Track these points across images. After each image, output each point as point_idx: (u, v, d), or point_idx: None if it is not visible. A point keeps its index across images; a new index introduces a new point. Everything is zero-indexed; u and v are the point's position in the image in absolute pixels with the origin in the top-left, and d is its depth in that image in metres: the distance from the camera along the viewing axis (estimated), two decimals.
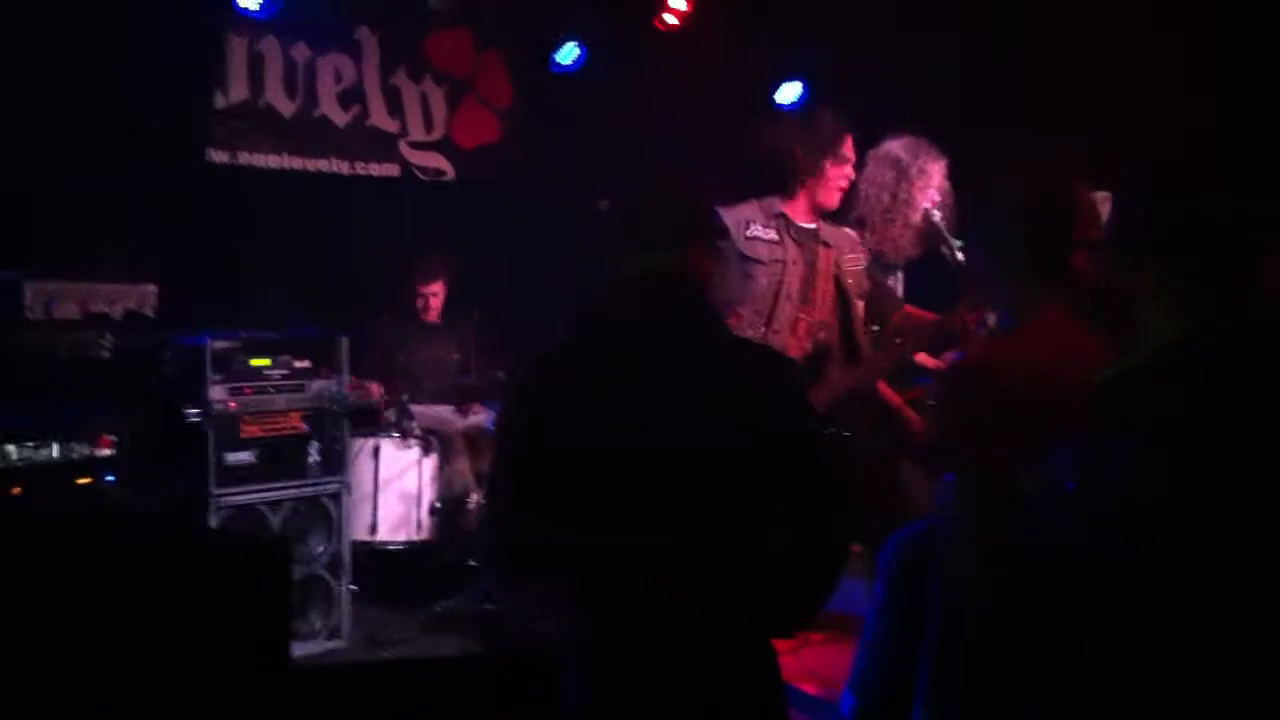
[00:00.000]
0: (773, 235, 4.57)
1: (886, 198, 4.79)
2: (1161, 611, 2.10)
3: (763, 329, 4.50)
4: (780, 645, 2.53)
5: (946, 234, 4.66)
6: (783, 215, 4.59)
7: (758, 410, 2.45)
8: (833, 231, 4.70)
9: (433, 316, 6.42)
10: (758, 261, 4.52)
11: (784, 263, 4.55)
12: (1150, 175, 2.55)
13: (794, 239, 4.59)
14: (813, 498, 2.47)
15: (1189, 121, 4.92)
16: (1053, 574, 2.22)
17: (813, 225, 4.64)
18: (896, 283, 5.19)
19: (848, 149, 4.63)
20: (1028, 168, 3.04)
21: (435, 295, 6.42)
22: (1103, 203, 3.27)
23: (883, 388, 4.64)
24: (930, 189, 4.80)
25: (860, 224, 4.86)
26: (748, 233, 4.54)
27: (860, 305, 4.72)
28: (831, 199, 4.63)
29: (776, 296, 4.53)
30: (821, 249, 4.64)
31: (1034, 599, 2.27)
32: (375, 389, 5.88)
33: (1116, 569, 2.13)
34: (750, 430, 2.43)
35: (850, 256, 4.71)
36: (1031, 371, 2.62)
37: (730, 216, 4.56)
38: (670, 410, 2.44)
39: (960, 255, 4.55)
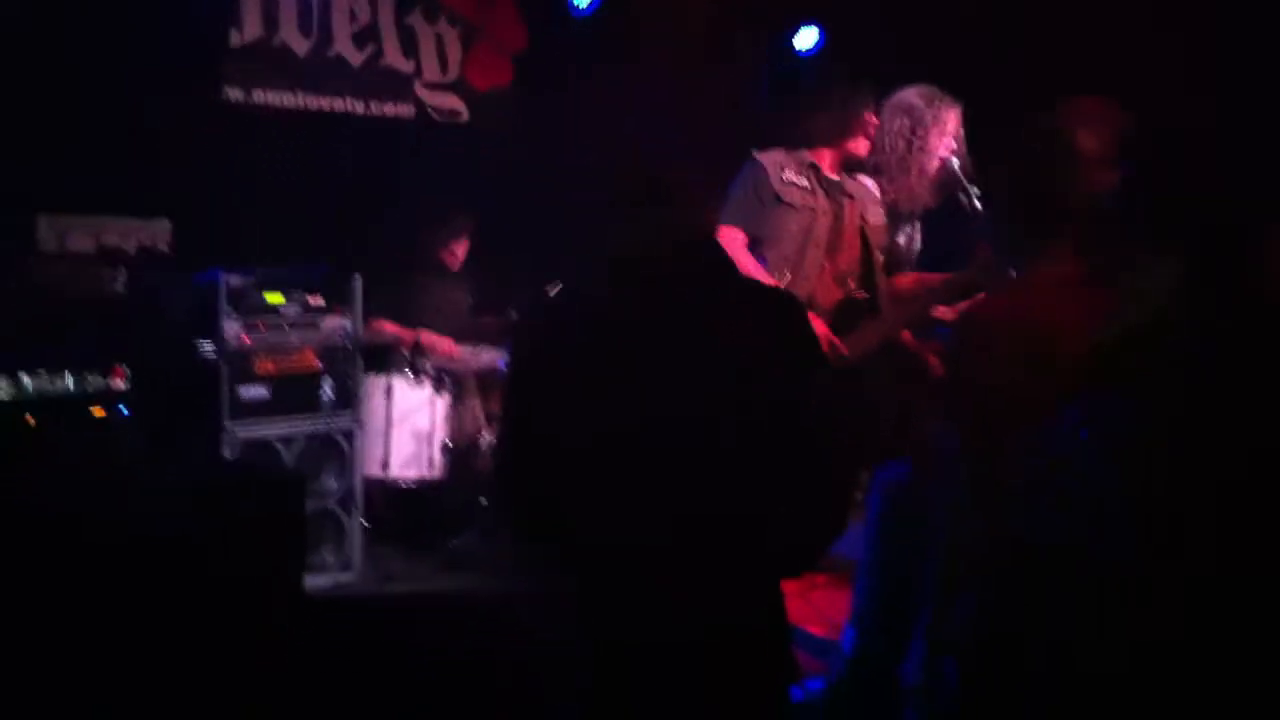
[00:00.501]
0: (805, 183, 4.62)
1: (902, 145, 4.80)
2: (1158, 608, 2.09)
3: (788, 274, 4.53)
4: (787, 588, 2.53)
5: (965, 181, 4.65)
6: (814, 165, 4.65)
7: (765, 357, 2.46)
8: (857, 185, 4.76)
9: (457, 267, 6.44)
10: (790, 206, 4.57)
11: (815, 210, 4.60)
12: (1149, 142, 2.54)
13: (824, 189, 4.64)
14: (815, 444, 2.48)
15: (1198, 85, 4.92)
16: (1048, 567, 2.20)
17: (838, 178, 4.70)
18: (914, 233, 5.20)
19: (870, 119, 4.70)
20: (1032, 114, 3.02)
21: (461, 248, 6.43)
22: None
23: (907, 337, 4.68)
24: (947, 136, 4.79)
25: (877, 172, 4.87)
26: (784, 176, 4.59)
27: (880, 258, 4.77)
28: (860, 150, 4.71)
29: (805, 243, 4.58)
30: (847, 201, 4.70)
31: (1029, 589, 2.24)
32: (396, 334, 5.93)
33: (1110, 564, 2.11)
34: (756, 378, 2.43)
35: (873, 209, 4.78)
36: (1028, 332, 2.58)
37: (765, 159, 4.61)
38: (678, 366, 2.44)
39: (979, 203, 4.56)
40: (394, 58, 6.69)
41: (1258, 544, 2.04)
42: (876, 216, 4.78)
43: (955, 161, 4.70)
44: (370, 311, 5.53)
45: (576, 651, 2.56)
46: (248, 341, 4.98)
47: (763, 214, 4.55)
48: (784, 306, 2.63)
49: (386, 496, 5.76)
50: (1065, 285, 2.63)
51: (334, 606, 4.87)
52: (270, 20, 6.22)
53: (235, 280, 5.00)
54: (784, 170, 4.59)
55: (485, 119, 6.99)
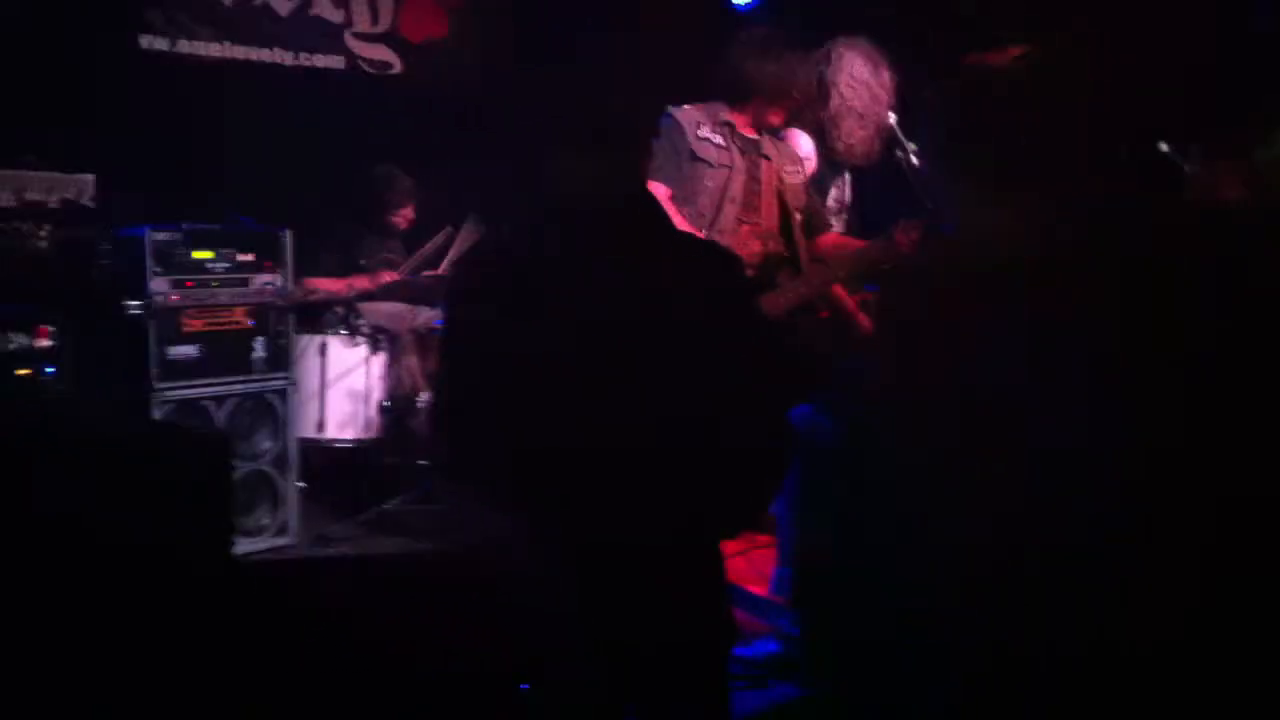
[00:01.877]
0: (720, 140, 4.55)
1: (866, 96, 4.79)
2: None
3: (705, 231, 4.46)
4: (728, 548, 2.51)
5: (903, 137, 4.63)
6: (729, 123, 4.58)
7: (705, 310, 2.42)
8: (773, 144, 4.69)
9: (405, 228, 6.36)
10: (706, 163, 4.50)
11: (730, 168, 4.54)
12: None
13: (739, 147, 4.57)
14: (756, 399, 2.44)
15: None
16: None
17: (754, 137, 4.64)
18: (844, 187, 5.18)
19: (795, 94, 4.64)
20: (966, 66, 2.99)
21: (405, 218, 6.35)
22: None
23: (838, 290, 4.65)
24: (889, 91, 4.80)
25: (830, 122, 4.85)
26: (699, 133, 4.51)
27: (799, 218, 4.72)
28: (778, 121, 4.65)
29: (721, 199, 4.51)
30: (764, 161, 4.63)
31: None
32: (330, 293, 5.83)
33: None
34: (696, 331, 2.40)
35: (790, 169, 4.71)
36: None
37: (681, 115, 4.53)
38: (617, 313, 2.40)
39: (915, 160, 4.54)
40: (323, 7, 6.54)
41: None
42: (794, 175, 4.73)
43: (893, 117, 4.71)
44: (304, 269, 5.41)
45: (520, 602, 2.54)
46: (176, 299, 4.85)
47: (679, 170, 4.48)
48: (723, 260, 2.60)
49: (323, 458, 5.66)
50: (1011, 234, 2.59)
51: (269, 570, 4.79)
52: None
53: (162, 236, 4.86)
54: (699, 127, 4.51)
55: (419, 71, 6.86)
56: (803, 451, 3.64)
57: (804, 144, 4.98)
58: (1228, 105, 4.06)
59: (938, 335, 2.24)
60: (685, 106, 4.57)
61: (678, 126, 4.49)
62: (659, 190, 4.41)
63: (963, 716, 2.12)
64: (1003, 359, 2.13)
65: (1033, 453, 2.10)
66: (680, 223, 4.36)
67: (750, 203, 4.59)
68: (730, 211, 4.52)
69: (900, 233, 4.30)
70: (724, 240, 4.47)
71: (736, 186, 4.54)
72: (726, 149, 4.54)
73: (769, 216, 4.63)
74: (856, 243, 4.70)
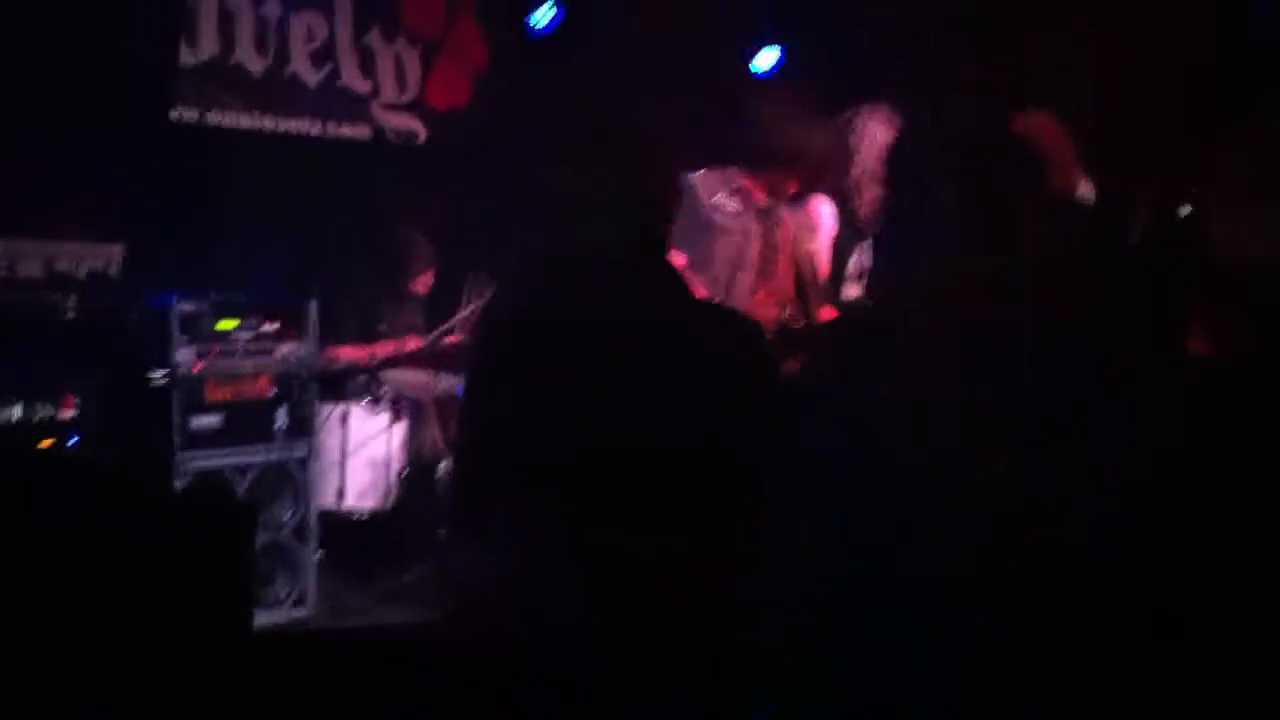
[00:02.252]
0: (734, 206, 4.52)
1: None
2: None
3: (720, 297, 4.46)
4: None
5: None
6: (743, 189, 4.56)
7: (725, 377, 2.42)
8: (790, 210, 4.67)
9: (425, 294, 6.39)
10: (720, 229, 4.49)
11: (745, 234, 4.51)
12: None
13: (754, 213, 4.57)
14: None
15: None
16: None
17: (769, 202, 4.62)
18: (863, 255, 5.18)
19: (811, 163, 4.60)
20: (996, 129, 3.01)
21: (424, 285, 6.38)
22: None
23: None
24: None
25: (852, 189, 4.86)
26: (712, 200, 4.51)
27: (821, 285, 4.68)
28: (794, 188, 4.62)
29: (737, 266, 4.51)
30: (778, 228, 4.61)
31: None
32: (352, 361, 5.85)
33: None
34: (715, 397, 2.40)
35: (807, 234, 4.67)
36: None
37: (695, 180, 4.52)
38: (642, 388, 2.40)
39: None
40: (351, 77, 6.61)
41: None
42: (813, 241, 4.69)
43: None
44: (326, 337, 5.44)
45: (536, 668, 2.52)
46: (200, 368, 4.88)
47: (694, 236, 4.43)
48: (743, 327, 2.61)
49: (342, 527, 5.66)
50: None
51: (288, 642, 4.77)
52: (226, 39, 6.12)
53: (188, 306, 4.91)
54: (714, 193, 4.51)
55: (444, 139, 6.92)
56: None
57: (824, 210, 4.98)
58: (1228, 113, 4.07)
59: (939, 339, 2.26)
60: (700, 171, 4.56)
61: (692, 192, 4.47)
62: (677, 258, 4.41)
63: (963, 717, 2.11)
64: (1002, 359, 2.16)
65: (1033, 453, 2.11)
66: (698, 290, 4.37)
67: (766, 269, 4.58)
68: (745, 279, 4.51)
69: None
70: (740, 306, 4.47)
71: (752, 253, 4.54)
72: (741, 215, 4.52)
73: (785, 282, 4.62)
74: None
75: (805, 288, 4.66)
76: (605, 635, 2.42)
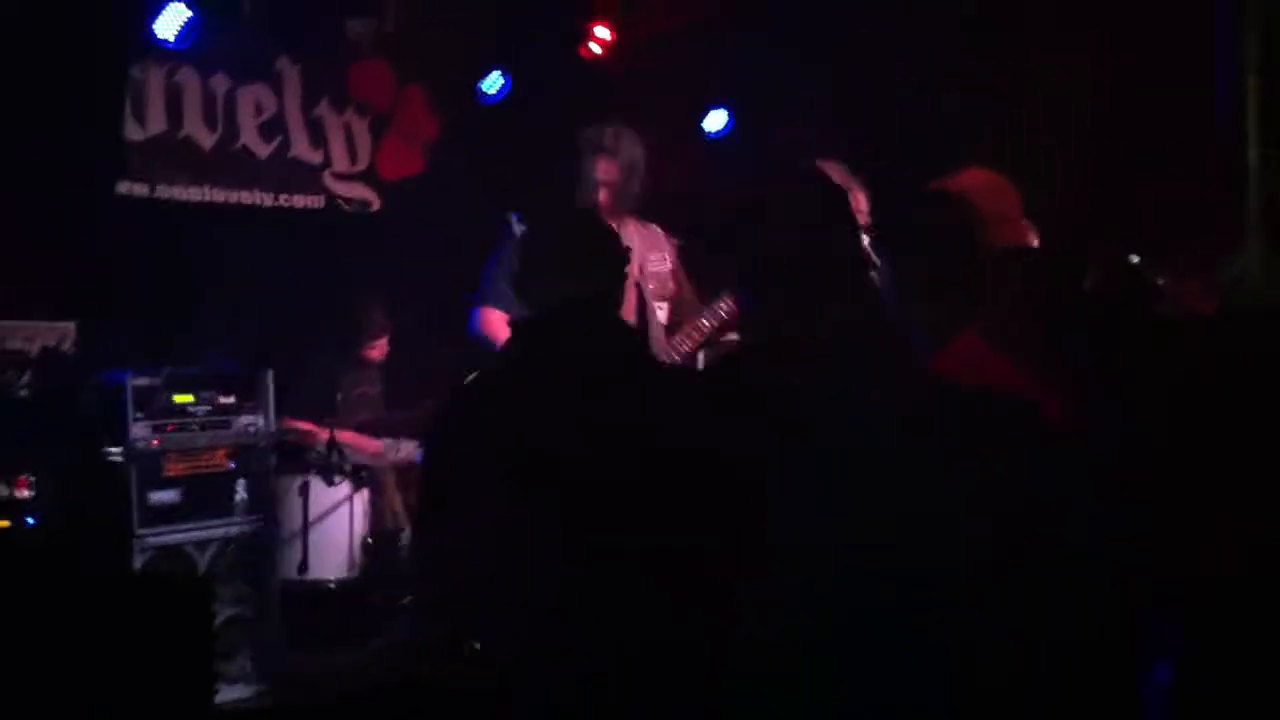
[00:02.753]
0: None
1: None
2: None
3: None
4: None
5: (875, 259, 4.67)
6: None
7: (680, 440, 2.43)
8: (637, 231, 4.53)
9: (378, 361, 6.37)
10: None
11: None
12: None
13: None
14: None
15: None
16: None
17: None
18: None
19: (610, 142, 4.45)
20: (934, 191, 3.06)
21: (379, 350, 6.36)
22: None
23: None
24: (865, 213, 4.83)
25: None
26: None
27: (663, 309, 4.58)
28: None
29: None
30: None
31: None
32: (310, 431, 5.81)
33: None
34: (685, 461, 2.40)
35: (654, 257, 4.58)
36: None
37: (518, 226, 4.30)
38: (605, 446, 2.41)
39: (878, 281, 4.57)
40: (302, 149, 6.63)
41: None
42: (659, 264, 4.59)
43: (866, 239, 4.72)
44: (283, 408, 5.41)
45: None
46: (157, 444, 4.84)
47: None
48: (708, 388, 2.61)
49: (305, 598, 5.60)
50: (985, 358, 2.62)
51: (251, 718, 4.71)
52: (174, 114, 6.13)
53: (142, 381, 4.87)
54: None
55: (397, 207, 6.94)
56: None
57: (654, 234, 4.78)
58: (1194, 217, 4.14)
59: None
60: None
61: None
62: (494, 315, 4.31)
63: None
64: None
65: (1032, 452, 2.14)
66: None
67: None
68: None
69: (722, 305, 4.26)
70: None
71: None
72: None
73: (626, 309, 4.46)
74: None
75: (646, 310, 4.51)
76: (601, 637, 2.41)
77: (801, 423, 2.10)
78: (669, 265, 4.63)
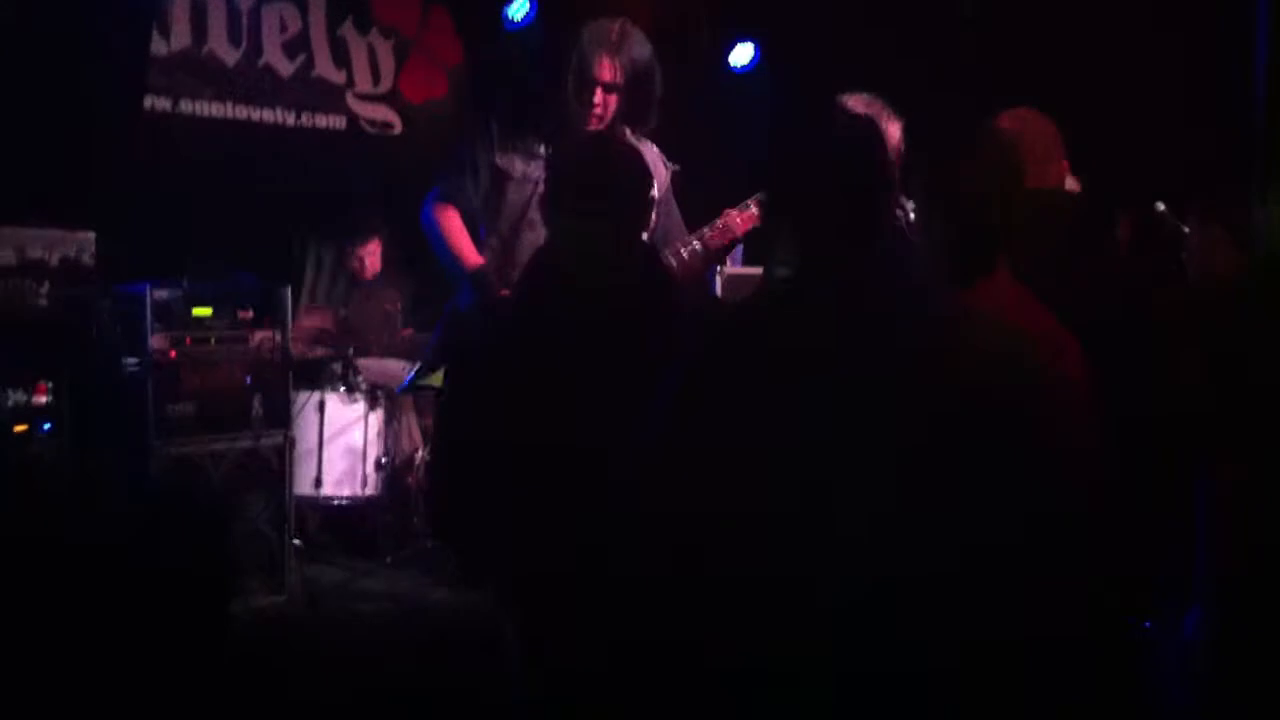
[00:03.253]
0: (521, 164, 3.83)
1: None
2: None
3: (498, 254, 3.81)
4: None
5: (901, 196, 4.62)
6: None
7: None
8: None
9: (369, 275, 6.35)
10: (507, 176, 3.80)
11: (536, 181, 3.75)
12: None
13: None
14: None
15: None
16: None
17: None
18: None
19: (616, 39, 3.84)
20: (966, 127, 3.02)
21: (371, 255, 6.35)
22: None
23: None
24: (896, 148, 4.77)
25: None
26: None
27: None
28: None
29: (520, 219, 3.79)
30: None
31: None
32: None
33: None
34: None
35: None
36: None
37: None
38: (616, 387, 2.40)
39: (913, 216, 4.53)
40: (325, 68, 6.59)
41: None
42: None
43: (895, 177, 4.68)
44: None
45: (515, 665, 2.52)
46: (174, 356, 4.85)
47: (480, 189, 3.86)
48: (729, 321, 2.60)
49: (319, 515, 5.64)
50: (1017, 301, 2.60)
51: (265, 629, 4.75)
52: (198, 30, 6.10)
53: (162, 294, 4.88)
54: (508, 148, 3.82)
55: (420, 130, 6.91)
56: None
57: (649, 156, 4.11)
58: (1223, 162, 4.10)
59: None
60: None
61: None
62: (449, 211, 3.88)
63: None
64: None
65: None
66: (467, 246, 3.83)
67: None
68: (530, 237, 3.75)
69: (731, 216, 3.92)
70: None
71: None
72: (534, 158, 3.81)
73: None
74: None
75: None
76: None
77: (824, 359, 2.09)
78: (654, 193, 4.30)
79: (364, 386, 5.73)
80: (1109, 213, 3.84)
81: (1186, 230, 3.73)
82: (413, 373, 4.30)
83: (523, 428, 2.45)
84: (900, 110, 4.73)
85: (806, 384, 2.06)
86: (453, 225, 3.85)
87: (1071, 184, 3.47)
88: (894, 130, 4.71)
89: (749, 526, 2.04)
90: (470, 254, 3.76)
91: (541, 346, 2.49)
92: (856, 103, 4.80)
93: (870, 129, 2.40)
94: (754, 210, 3.91)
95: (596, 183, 2.66)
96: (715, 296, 4.43)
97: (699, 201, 5.75)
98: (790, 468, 2.03)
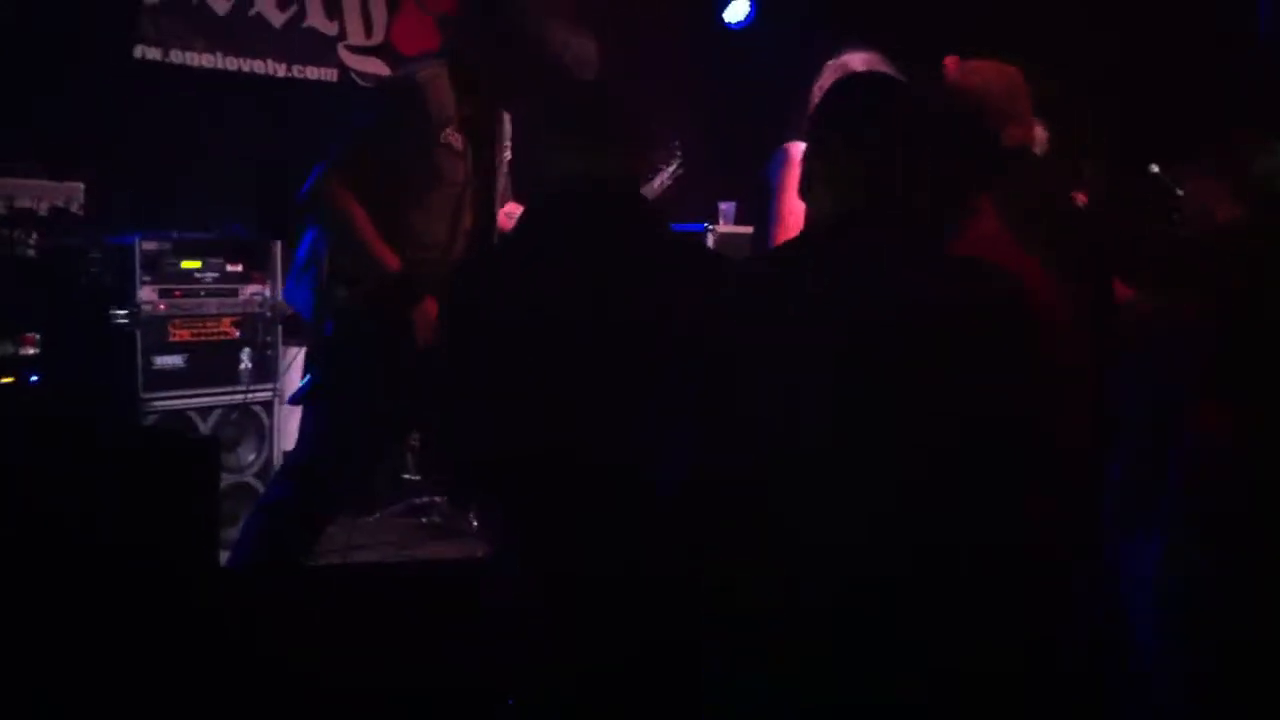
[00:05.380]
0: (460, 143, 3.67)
1: None
2: None
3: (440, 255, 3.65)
4: None
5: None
6: (469, 117, 3.70)
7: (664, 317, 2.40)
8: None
9: None
10: (436, 176, 3.66)
11: (463, 185, 3.68)
12: None
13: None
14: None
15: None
16: None
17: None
18: None
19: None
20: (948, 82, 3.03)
21: None
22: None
23: None
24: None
25: None
26: (444, 133, 3.65)
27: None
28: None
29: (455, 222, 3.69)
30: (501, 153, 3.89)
31: None
32: None
33: None
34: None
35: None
36: None
37: (434, 92, 3.62)
38: (612, 319, 2.39)
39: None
40: (317, 19, 6.53)
41: None
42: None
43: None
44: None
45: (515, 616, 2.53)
46: (164, 309, 4.84)
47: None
48: (706, 264, 2.60)
49: None
50: (998, 240, 2.59)
51: (251, 580, 4.74)
52: None
53: (152, 245, 4.87)
54: (445, 126, 3.64)
55: None
56: None
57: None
58: (1219, 115, 4.09)
59: None
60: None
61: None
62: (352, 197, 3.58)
63: None
64: None
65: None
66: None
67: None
68: (463, 243, 3.68)
69: None
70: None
71: (469, 204, 3.71)
72: (461, 156, 3.66)
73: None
74: None
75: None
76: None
77: (816, 308, 2.08)
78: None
79: None
80: (1076, 170, 3.84)
81: (1180, 193, 3.71)
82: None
83: (518, 364, 2.44)
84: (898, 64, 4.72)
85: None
86: (361, 212, 3.56)
87: (1040, 133, 3.46)
88: None
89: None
90: (390, 253, 3.54)
91: (529, 287, 2.47)
92: (856, 58, 4.79)
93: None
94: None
95: (591, 120, 2.61)
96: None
97: (698, 161, 5.76)
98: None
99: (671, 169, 5.88)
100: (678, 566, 2.30)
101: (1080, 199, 3.45)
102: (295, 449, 3.90)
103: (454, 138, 3.62)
